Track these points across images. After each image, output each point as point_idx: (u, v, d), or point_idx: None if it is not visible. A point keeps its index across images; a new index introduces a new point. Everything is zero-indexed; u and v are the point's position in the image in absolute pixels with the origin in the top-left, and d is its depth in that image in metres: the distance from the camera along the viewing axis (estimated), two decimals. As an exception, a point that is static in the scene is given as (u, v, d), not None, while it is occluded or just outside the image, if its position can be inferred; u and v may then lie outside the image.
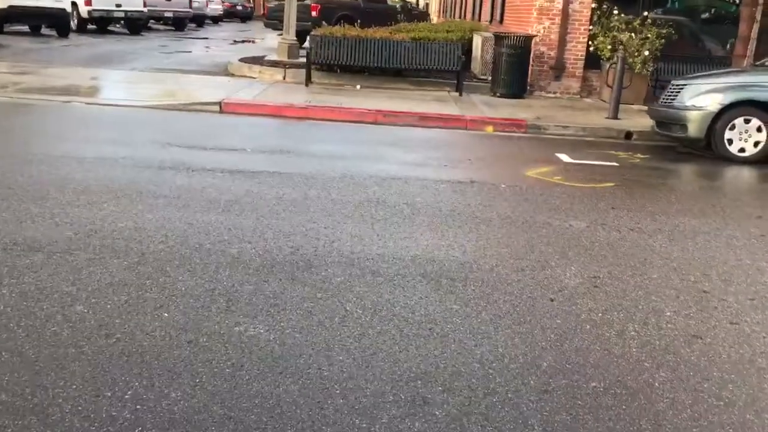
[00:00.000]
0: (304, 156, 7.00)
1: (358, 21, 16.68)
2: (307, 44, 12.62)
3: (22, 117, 8.19)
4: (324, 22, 18.50)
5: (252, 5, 44.84)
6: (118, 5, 22.06)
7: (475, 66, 13.83)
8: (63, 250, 3.81)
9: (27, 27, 19.97)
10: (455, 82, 12.65)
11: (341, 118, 9.77)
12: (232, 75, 13.20)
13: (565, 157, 7.73)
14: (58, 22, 19.14)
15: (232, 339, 2.95)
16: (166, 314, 3.14)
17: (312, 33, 12.93)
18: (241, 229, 4.37)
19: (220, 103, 9.89)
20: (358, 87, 12.43)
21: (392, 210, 5.08)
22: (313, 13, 19.65)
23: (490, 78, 12.97)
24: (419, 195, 5.59)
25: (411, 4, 24.43)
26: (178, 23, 27.29)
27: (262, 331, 3.04)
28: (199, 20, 30.97)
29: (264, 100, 10.33)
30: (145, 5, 22.86)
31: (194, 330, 3.00)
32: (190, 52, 17.51)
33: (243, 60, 13.93)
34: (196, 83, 11.85)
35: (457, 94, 12.28)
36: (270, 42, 22.24)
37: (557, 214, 5.29)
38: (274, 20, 20.59)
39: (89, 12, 21.60)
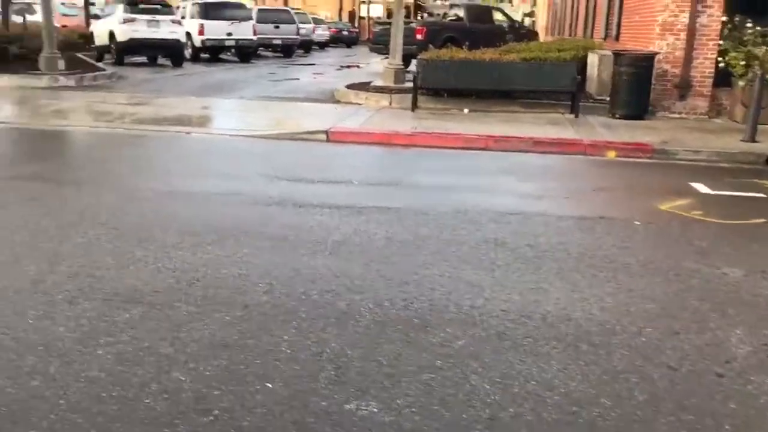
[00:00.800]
0: (413, 188, 6.61)
1: (465, 43, 16.31)
2: (412, 68, 12.35)
3: (135, 148, 8.28)
4: (430, 45, 18.27)
5: (357, 30, 45.47)
6: (229, 34, 22.77)
7: (591, 86, 13.07)
8: (164, 302, 3.57)
9: (144, 58, 20.87)
10: (570, 103, 11.97)
11: (449, 145, 9.34)
12: (339, 102, 13.08)
13: (701, 187, 6.95)
14: (173, 53, 19.87)
15: (343, 421, 2.55)
16: (269, 385, 2.79)
17: (419, 57, 12.62)
18: (349, 277, 4.01)
19: (326, 132, 9.71)
20: (466, 111, 11.98)
21: (513, 253, 4.58)
22: (419, 36, 19.41)
23: (607, 98, 12.20)
24: (542, 234, 5.05)
25: (519, 23, 23.78)
26: (287, 50, 27.86)
27: (375, 410, 2.63)
28: (306, 46, 31.54)
29: (370, 128, 10.07)
30: (254, 33, 23.48)
31: (300, 407, 2.63)
32: (297, 79, 17.65)
33: (349, 86, 13.80)
34: (303, 111, 11.79)
35: (572, 116, 11.59)
36: (375, 67, 22.24)
37: (705, 259, 4.61)
38: (379, 44, 20.52)
39: (202, 41, 22.42)
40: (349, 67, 23.73)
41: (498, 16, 21.83)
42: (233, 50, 23.70)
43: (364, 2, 54.39)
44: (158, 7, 19.78)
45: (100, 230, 4.78)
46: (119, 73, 15.92)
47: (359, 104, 12.62)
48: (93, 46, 20.93)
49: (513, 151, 9.04)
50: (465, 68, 12.05)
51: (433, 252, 4.55)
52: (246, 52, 23.86)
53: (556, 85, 11.91)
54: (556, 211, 5.77)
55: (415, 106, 11.98)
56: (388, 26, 21.84)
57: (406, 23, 26.40)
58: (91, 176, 6.57)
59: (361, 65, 24.26)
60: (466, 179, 7.22)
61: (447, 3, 22.29)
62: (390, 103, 12.55)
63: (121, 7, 19.17)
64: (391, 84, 13.43)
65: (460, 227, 5.17)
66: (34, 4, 26.44)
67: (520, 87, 12.04)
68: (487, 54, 12.72)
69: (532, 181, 7.29)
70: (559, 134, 9.88)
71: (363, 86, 13.81)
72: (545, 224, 5.33)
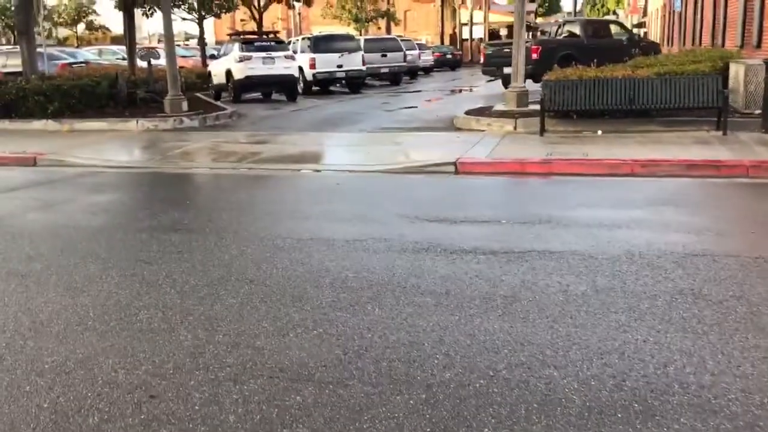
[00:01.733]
0: (569, 226, 5.99)
1: (582, 60, 15.50)
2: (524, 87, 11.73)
3: (265, 191, 8.11)
4: (545, 65, 17.55)
5: (460, 53, 45.10)
6: (339, 66, 22.89)
7: (736, 99, 11.96)
8: (335, 380, 3.16)
9: (260, 94, 21.28)
10: (715, 119, 10.98)
11: (590, 172, 8.65)
12: (460, 129, 12.62)
13: None
14: (287, 87, 20.13)
15: None
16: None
17: (544, 78, 11.98)
18: (536, 345, 3.47)
19: (455, 163, 9.24)
20: (599, 133, 11.21)
21: (720, 308, 3.90)
22: (534, 56, 18.71)
23: (756, 112, 11.11)
24: (744, 282, 4.32)
25: (638, 35, 22.58)
26: (394, 78, 27.79)
27: None
28: (413, 72, 31.44)
29: (500, 157, 9.52)
30: (363, 64, 23.50)
31: None
32: (412, 107, 17.36)
33: (469, 113, 13.32)
34: (426, 141, 11.41)
35: (719, 133, 10.58)
36: (485, 89, 21.70)
37: None
38: (491, 67, 19.97)
39: (314, 75, 22.64)
40: (459, 91, 23.33)
41: (615, 30, 20.79)
42: (343, 81, 23.81)
43: (465, 24, 54.00)
44: (272, 44, 20.14)
45: (251, 288, 4.48)
46: (239, 111, 16.17)
47: (482, 131, 12.11)
48: (211, 85, 21.59)
49: (664, 176, 8.24)
50: (595, 87, 11.29)
51: (624, 309, 3.94)
52: (356, 83, 23.92)
53: (697, 101, 10.94)
54: (748, 251, 5.00)
55: (543, 130, 11.33)
56: (500, 47, 21.29)
57: (511, 44, 25.77)
58: (229, 223, 6.38)
59: (471, 89, 23.79)
60: (623, 212, 6.52)
61: (558, 20, 21.47)
62: (515, 128, 11.96)
63: (237, 45, 19.62)
64: (513, 108, 12.83)
65: (643, 275, 4.53)
66: (158, 48, 27.82)
67: (657, 105, 11.15)
68: (618, 71, 11.91)
69: (700, 212, 6.51)
70: (712, 155, 8.96)
71: (483, 111, 13.29)
72: (742, 268, 4.59)
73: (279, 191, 8.13)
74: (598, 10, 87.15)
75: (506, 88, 20.65)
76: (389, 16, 42.07)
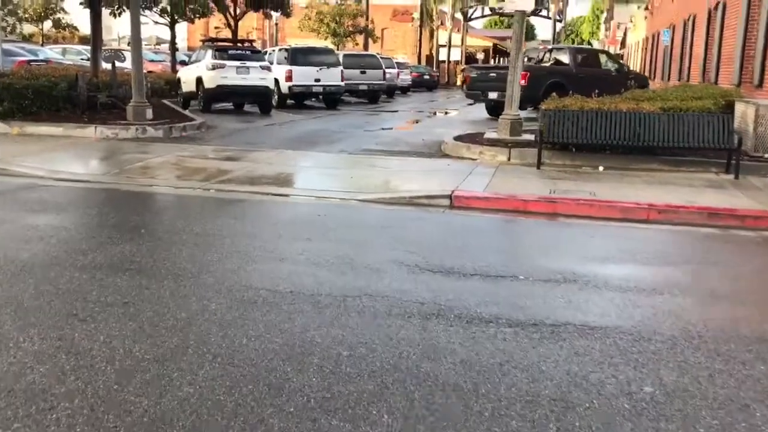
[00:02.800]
0: (600, 288, 5.01)
1: (570, 89, 14.79)
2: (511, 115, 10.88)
3: (233, 220, 6.99)
4: (532, 92, 16.79)
5: (438, 74, 44.49)
6: (317, 80, 21.90)
7: (744, 141, 11.23)
8: None
9: (231, 104, 20.13)
10: (723, 161, 10.25)
11: (600, 215, 7.75)
12: (448, 156, 11.66)
13: None
14: (261, 100, 19.03)
15: None
16: None
17: (543, 107, 11.12)
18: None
19: (450, 197, 8.26)
20: (601, 169, 10.36)
21: (839, 431, 2.94)
22: (522, 82, 17.92)
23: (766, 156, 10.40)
24: None
25: (627, 67, 22.02)
26: (372, 95, 26.91)
27: None
28: (390, 91, 30.61)
29: (498, 191, 8.56)
30: (342, 79, 22.54)
31: None
32: (394, 128, 16.39)
33: (459, 139, 12.39)
34: (413, 168, 10.41)
35: (730, 176, 9.83)
36: (468, 113, 20.88)
37: None
38: (476, 91, 19.14)
39: (290, 88, 21.61)
40: (441, 113, 22.51)
41: (603, 60, 20.18)
42: (320, 96, 22.80)
43: (443, 46, 53.53)
44: (248, 52, 19.04)
45: (213, 368, 3.39)
46: (208, 122, 15.00)
47: (473, 159, 11.16)
48: (180, 92, 20.40)
49: (683, 224, 7.37)
50: (598, 120, 10.45)
51: (738, 424, 2.95)
52: (333, 99, 22.94)
53: (705, 140, 10.17)
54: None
55: (540, 162, 10.44)
56: (485, 71, 20.51)
57: (497, 68, 25.07)
58: (190, 262, 5.27)
59: (451, 111, 22.98)
60: (657, 271, 5.57)
61: (545, 46, 20.78)
62: (509, 159, 11.05)
63: (209, 52, 18.47)
64: (506, 136, 11.94)
65: (716, 369, 3.56)
66: (123, 51, 26.47)
67: (663, 142, 10.34)
68: (623, 104, 11.10)
69: (744, 275, 5.59)
70: (732, 203, 8.13)
71: (474, 138, 12.36)
72: (837, 364, 3.65)
73: (251, 221, 7.02)
74: (572, 39, 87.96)
75: (490, 113, 19.94)
76: (368, 33, 41.25)
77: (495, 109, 19.55)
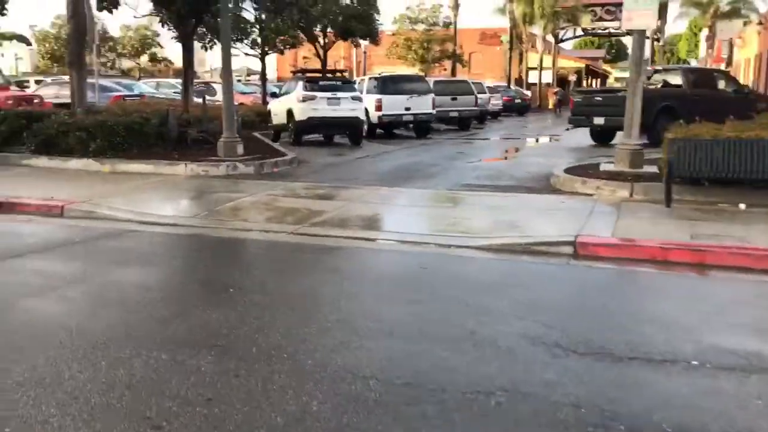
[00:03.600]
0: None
1: (684, 113, 13.37)
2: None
3: (338, 275, 6.19)
4: (681, 121, 15.40)
5: (529, 97, 43.15)
6: (408, 109, 21.19)
7: None
8: None
9: (321, 135, 19.66)
10: None
11: (760, 267, 6.50)
12: (560, 191, 10.56)
13: None
14: (351, 131, 18.45)
15: None
16: None
17: (670, 136, 9.87)
18: None
19: (573, 243, 7.20)
20: (743, 207, 9.01)
21: None
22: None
23: None
24: None
25: (747, 88, 20.21)
26: (463, 122, 25.99)
27: None
28: (481, 117, 29.60)
29: (629, 236, 7.41)
30: (433, 107, 21.75)
31: None
32: (493, 159, 15.39)
33: (571, 171, 11.25)
34: (524, 208, 9.37)
35: None
36: (569, 140, 19.61)
37: None
38: (580, 116, 17.89)
39: (379, 117, 20.97)
40: (540, 140, 21.33)
41: (721, 81, 18.50)
42: (411, 125, 22.08)
43: (533, 68, 52.12)
44: (339, 83, 18.54)
45: None
46: (299, 156, 14.44)
47: (589, 195, 10.02)
48: (270, 124, 20.12)
49: None
50: (736, 149, 9.13)
51: None
52: (423, 127, 22.17)
53: None
54: None
55: (669, 199, 9.18)
56: (589, 95, 19.24)
57: (603, 91, 23.66)
58: (284, 337, 4.48)
59: (551, 138, 21.75)
60: None
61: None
62: (631, 194, 9.84)
63: (300, 84, 18.06)
64: (625, 168, 10.73)
65: None
66: (214, 83, 26.69)
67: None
68: (763, 131, 9.71)
69: None
70: None
71: (587, 171, 11.20)
72: None
73: (349, 276, 6.19)
74: (667, 59, 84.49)
75: (594, 139, 18.63)
76: (457, 58, 40.49)
77: (601, 136, 18.25)
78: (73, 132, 13.13)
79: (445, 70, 41.19)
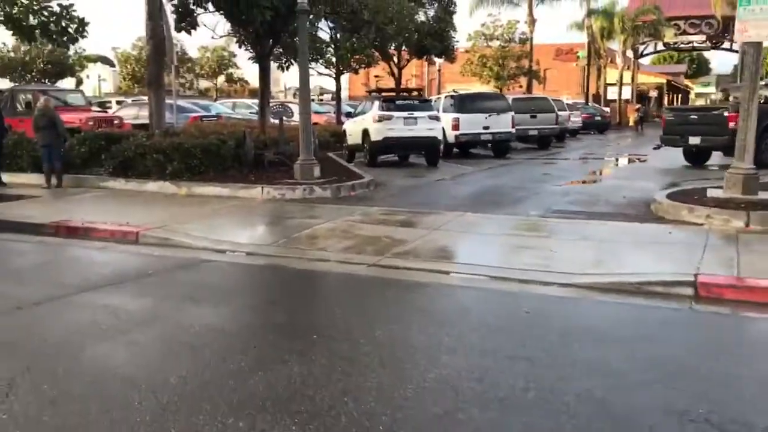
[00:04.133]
0: None
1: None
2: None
3: (419, 317, 5.54)
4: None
5: (609, 114, 41.63)
6: (486, 128, 20.45)
7: None
8: None
9: (395, 156, 19.10)
10: None
11: None
12: (663, 219, 9.61)
13: None
14: (428, 151, 17.85)
15: None
16: None
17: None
18: None
19: (693, 283, 6.33)
20: None
21: None
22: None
23: None
24: None
25: None
26: (543, 141, 25.05)
27: None
28: (561, 135, 28.54)
29: (759, 275, 6.49)
30: (513, 126, 20.93)
31: None
32: (583, 182, 14.47)
33: (674, 197, 10.27)
34: (627, 239, 8.49)
35: None
36: (658, 160, 18.42)
37: None
38: (673, 135, 16.73)
39: (456, 137, 20.31)
40: (627, 161, 20.18)
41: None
42: (489, 145, 21.33)
43: (612, 84, 50.42)
44: (415, 102, 17.99)
45: None
46: (375, 177, 13.91)
47: (698, 225, 9.05)
48: (345, 144, 19.77)
49: None
50: None
51: None
52: (503, 146, 21.38)
53: None
54: None
55: (796, 231, 8.17)
56: (683, 113, 18.06)
57: (699, 109, 22.31)
58: (376, 401, 3.87)
59: (639, 158, 20.56)
60: None
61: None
62: (746, 224, 8.82)
63: (376, 103, 17.60)
64: (738, 195, 9.69)
65: None
66: (290, 103, 26.61)
67: None
68: None
69: None
70: None
71: (692, 197, 10.18)
72: None
73: (443, 322, 5.52)
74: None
75: (688, 160, 17.41)
76: (533, 74, 39.42)
77: (696, 156, 17.07)
78: (151, 154, 13.01)
79: (520, 86, 40.13)
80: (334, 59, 24.06)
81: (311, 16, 13.24)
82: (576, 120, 32.69)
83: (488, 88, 36.74)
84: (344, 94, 36.27)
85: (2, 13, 9.96)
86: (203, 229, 9.39)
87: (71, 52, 40.50)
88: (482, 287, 6.59)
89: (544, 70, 50.72)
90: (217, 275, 7.13)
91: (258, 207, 11.26)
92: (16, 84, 32.70)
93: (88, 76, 57.68)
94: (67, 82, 39.62)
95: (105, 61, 60.86)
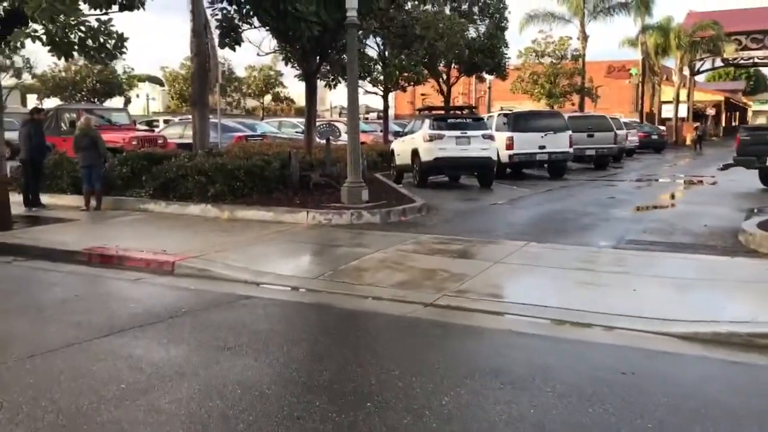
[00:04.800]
0: None
1: None
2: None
3: (494, 383, 4.63)
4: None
5: (665, 132, 40.03)
6: (542, 147, 19.44)
7: None
8: None
9: (445, 176, 18.23)
10: None
11: None
12: (757, 253, 8.51)
13: None
14: (482, 172, 16.93)
15: None
16: None
17: None
18: None
19: (820, 339, 5.29)
20: None
21: None
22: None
23: None
24: None
25: None
26: (600, 161, 23.88)
27: None
28: (618, 155, 27.27)
29: None
30: (570, 145, 19.87)
31: None
32: (655, 207, 13.35)
33: (764, 226, 9.16)
34: (720, 276, 7.44)
35: None
36: (728, 182, 17.13)
37: None
38: (749, 156, 15.47)
39: (510, 157, 19.35)
40: (693, 182, 18.91)
41: None
42: (545, 165, 20.31)
43: (667, 102, 48.71)
44: (468, 120, 17.12)
45: None
46: (426, 199, 13.03)
47: (801, 261, 7.95)
48: (393, 165, 19.02)
49: None
50: None
51: None
52: (559, 167, 20.32)
53: None
54: None
55: None
56: (762, 132, 16.78)
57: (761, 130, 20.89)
58: None
59: (705, 179, 19.26)
60: None
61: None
62: None
63: (427, 122, 16.78)
64: (842, 226, 8.54)
65: None
66: (335, 121, 26.04)
67: None
68: None
69: None
70: None
71: (786, 227, 9.06)
72: None
73: (520, 383, 4.59)
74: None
75: (766, 183, 16.12)
76: (587, 92, 38.21)
77: (773, 179, 15.79)
78: (192, 175, 12.43)
79: (573, 104, 38.91)
80: (381, 77, 23.37)
81: (360, 32, 12.53)
82: (633, 139, 31.31)
83: (539, 106, 35.66)
84: (389, 112, 35.55)
85: (43, 31, 9.45)
86: (244, 258, 8.66)
87: (120, 71, 40.98)
88: (561, 336, 5.66)
89: (596, 88, 49.39)
90: (257, 316, 6.35)
91: (303, 233, 10.50)
92: (63, 103, 32.90)
93: (137, 96, 58.45)
94: (116, 102, 39.92)
95: (154, 80, 61.65)
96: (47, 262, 8.97)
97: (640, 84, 47.81)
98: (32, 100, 42.61)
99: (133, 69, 44.14)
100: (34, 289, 7.75)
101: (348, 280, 7.59)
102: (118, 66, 40.96)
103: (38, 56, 41.83)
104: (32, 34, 9.06)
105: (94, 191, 12.81)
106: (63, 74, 38.24)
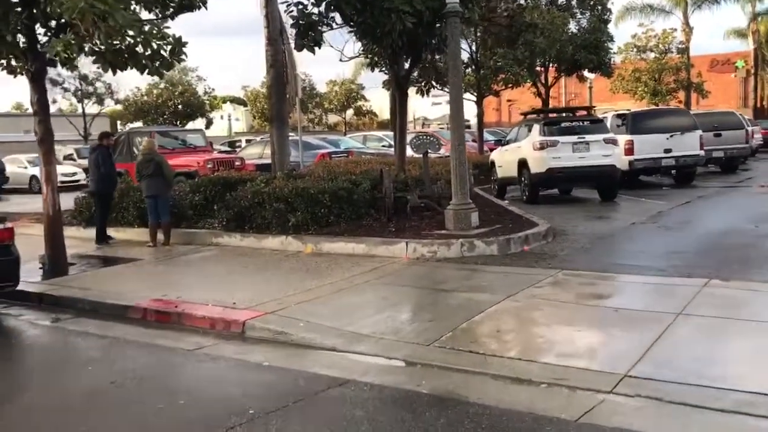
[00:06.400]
0: None
1: None
2: None
3: None
4: None
5: (792, 129, 35.81)
6: (668, 150, 16.67)
7: None
8: None
9: (556, 190, 15.79)
10: None
11: None
12: None
13: None
14: (604, 183, 14.40)
15: None
16: None
17: None
18: None
19: None
20: None
21: None
22: None
23: None
24: None
25: None
26: (729, 163, 20.77)
27: None
28: (748, 155, 23.95)
29: None
30: (702, 147, 17.00)
31: None
32: None
33: None
34: None
35: None
36: None
37: None
38: None
39: (630, 163, 16.65)
40: None
41: None
42: (672, 171, 17.53)
43: (784, 95, 44.10)
44: (586, 123, 14.64)
45: None
46: (550, 223, 10.67)
47: None
48: (493, 178, 16.78)
49: None
50: None
51: None
52: (687, 173, 17.49)
53: None
54: None
55: None
56: None
57: None
58: None
59: None
60: None
61: None
62: None
63: (536, 128, 14.44)
64: None
65: None
66: (422, 133, 23.97)
67: None
68: None
69: None
70: None
71: None
72: None
73: None
74: None
75: None
76: (696, 87, 34.68)
77: None
78: (270, 203, 10.58)
79: (679, 102, 35.38)
80: (473, 80, 21.11)
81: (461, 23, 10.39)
82: (757, 137, 27.77)
83: (640, 105, 32.45)
84: (473, 120, 32.92)
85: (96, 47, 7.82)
86: (332, 313, 6.66)
87: (201, 92, 40.46)
88: None
89: (703, 82, 45.46)
90: (357, 422, 4.27)
91: (403, 272, 8.41)
92: (136, 127, 32.22)
93: (221, 117, 58.45)
94: (198, 123, 39.35)
95: (238, 101, 61.63)
96: (94, 321, 7.30)
97: (752, 76, 43.47)
98: (120, 127, 42.72)
99: (213, 89, 43.64)
100: (61, 371, 5.92)
101: (476, 348, 5.45)
102: (199, 87, 40.47)
103: (120, 81, 41.96)
104: (70, 40, 7.38)
105: (161, 224, 11.19)
106: (145, 98, 37.94)
